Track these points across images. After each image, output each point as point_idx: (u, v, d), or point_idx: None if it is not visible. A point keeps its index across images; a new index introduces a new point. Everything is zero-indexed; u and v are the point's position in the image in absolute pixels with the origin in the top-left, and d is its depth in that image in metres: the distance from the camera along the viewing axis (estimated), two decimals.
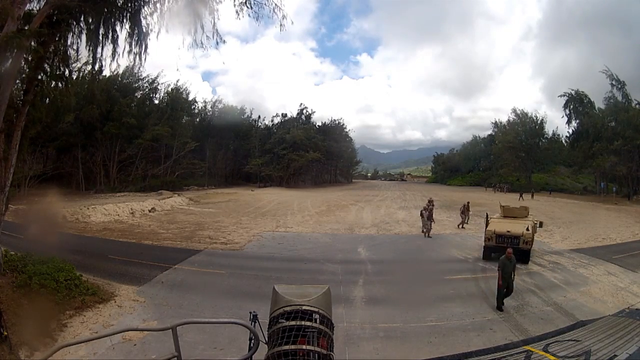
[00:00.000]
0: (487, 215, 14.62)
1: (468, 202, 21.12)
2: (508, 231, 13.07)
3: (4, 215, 9.79)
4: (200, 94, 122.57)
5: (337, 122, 62.06)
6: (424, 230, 18.57)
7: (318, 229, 19.22)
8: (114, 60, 12.00)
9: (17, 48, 8.89)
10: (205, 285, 10.55)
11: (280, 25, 13.19)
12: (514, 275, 9.20)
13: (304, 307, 1.97)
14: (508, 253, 9.05)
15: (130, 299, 9.30)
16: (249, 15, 12.90)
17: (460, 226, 20.05)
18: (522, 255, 12.48)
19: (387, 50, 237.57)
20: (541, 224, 15.11)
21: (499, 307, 8.96)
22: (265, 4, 12.79)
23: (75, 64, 12.53)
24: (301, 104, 69.40)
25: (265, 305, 2.17)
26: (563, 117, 45.07)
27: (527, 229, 13.04)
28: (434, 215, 19.33)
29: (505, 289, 9.00)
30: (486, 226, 13.78)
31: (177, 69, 64.86)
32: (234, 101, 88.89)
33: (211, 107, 52.43)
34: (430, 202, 20.84)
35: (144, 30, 11.76)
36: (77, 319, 8.04)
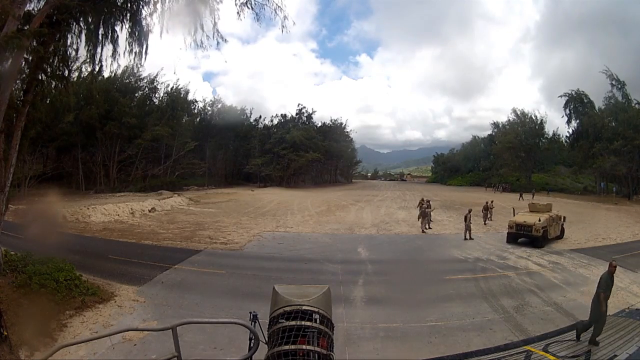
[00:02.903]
0: (513, 210, 18.68)
1: (491, 201, 22.12)
2: (524, 221, 15.66)
3: (4, 215, 9.80)
4: (200, 94, 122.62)
5: (337, 122, 62.08)
6: (424, 229, 18.62)
7: (318, 229, 19.20)
8: (115, 60, 12.03)
9: (17, 48, 8.88)
10: (205, 285, 10.54)
11: (282, 26, 13.14)
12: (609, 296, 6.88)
13: (304, 307, 1.97)
14: (612, 267, 6.61)
15: (130, 299, 9.29)
16: (250, 16, 12.88)
17: (488, 220, 20.76)
18: (535, 241, 15.27)
19: (386, 52, 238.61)
20: (564, 219, 17.54)
21: (594, 340, 5.62)
22: (266, 4, 12.75)
23: (75, 64, 12.46)
24: (299, 104, 69.53)
25: (265, 305, 2.16)
26: (563, 117, 45.22)
27: (539, 220, 15.37)
28: (432, 214, 19.47)
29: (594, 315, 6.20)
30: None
31: (174, 72, 64.59)
32: (234, 101, 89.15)
33: (211, 107, 52.51)
34: (425, 201, 20.70)
35: (145, 30, 11.77)
36: (77, 319, 8.02)
